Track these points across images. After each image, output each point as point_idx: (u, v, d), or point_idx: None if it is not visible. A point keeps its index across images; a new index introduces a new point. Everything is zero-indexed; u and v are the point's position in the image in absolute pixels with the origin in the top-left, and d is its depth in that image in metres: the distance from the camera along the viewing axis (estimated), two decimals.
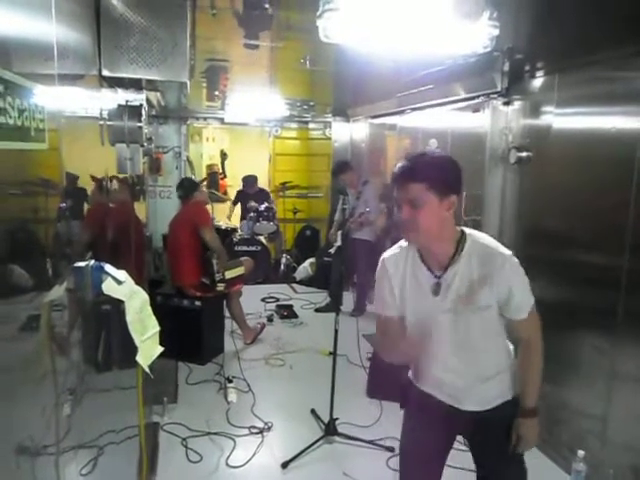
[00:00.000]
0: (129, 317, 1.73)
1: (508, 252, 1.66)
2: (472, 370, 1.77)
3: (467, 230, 1.72)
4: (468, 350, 1.74)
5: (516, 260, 1.66)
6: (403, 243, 1.80)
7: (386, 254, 1.84)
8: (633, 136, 2.49)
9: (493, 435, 1.82)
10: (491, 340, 1.76)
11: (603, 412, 2.67)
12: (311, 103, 7.24)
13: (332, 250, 5.79)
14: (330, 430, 3.21)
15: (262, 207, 7.06)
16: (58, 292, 1.52)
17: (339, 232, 5.40)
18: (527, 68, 3.28)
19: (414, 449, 1.96)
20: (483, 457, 1.91)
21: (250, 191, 7.47)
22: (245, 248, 6.72)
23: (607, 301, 2.64)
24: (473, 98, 3.83)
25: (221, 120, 7.94)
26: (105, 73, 2.11)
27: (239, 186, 7.72)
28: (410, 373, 1.99)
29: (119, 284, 1.74)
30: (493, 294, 1.64)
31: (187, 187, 4.57)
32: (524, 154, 3.29)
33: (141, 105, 2.51)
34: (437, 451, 1.92)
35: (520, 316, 1.70)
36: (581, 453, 2.57)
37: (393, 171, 1.66)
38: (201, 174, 8.40)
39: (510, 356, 1.84)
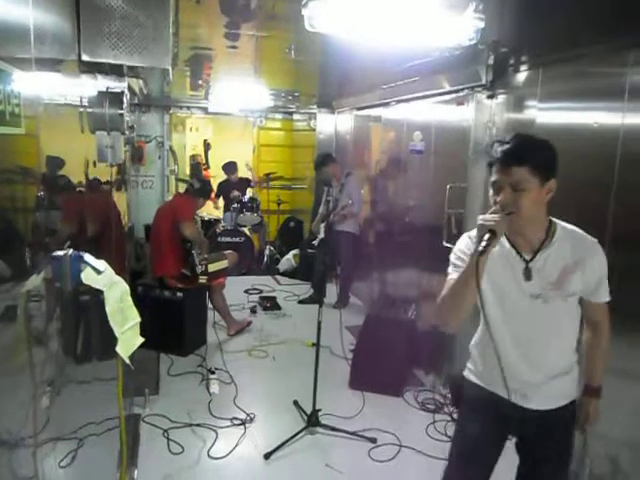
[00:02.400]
0: (108, 307, 1.70)
1: (595, 239, 1.69)
2: (549, 362, 1.74)
3: (554, 219, 1.72)
4: (549, 340, 1.71)
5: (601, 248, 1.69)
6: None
7: (472, 234, 1.74)
8: (614, 131, 2.51)
9: (550, 436, 1.77)
10: (569, 331, 1.74)
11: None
12: (296, 94, 7.20)
13: (315, 242, 5.79)
14: (312, 421, 3.21)
15: (246, 198, 7.03)
16: (35, 282, 1.50)
17: (322, 224, 5.39)
18: (511, 62, 3.28)
19: (472, 450, 1.88)
20: (534, 457, 1.84)
21: (232, 178, 7.42)
22: (229, 239, 6.68)
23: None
24: (458, 91, 3.83)
25: (205, 110, 7.87)
26: (85, 58, 2.06)
27: (222, 177, 7.66)
28: (468, 370, 1.91)
29: (98, 274, 1.71)
30: (584, 280, 1.65)
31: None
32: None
33: (122, 92, 2.47)
34: (493, 453, 1.88)
35: (603, 299, 1.72)
36: None
37: (494, 153, 1.61)
38: (184, 164, 8.32)
39: (579, 355, 1.80)
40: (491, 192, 1.64)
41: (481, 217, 1.59)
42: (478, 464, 1.87)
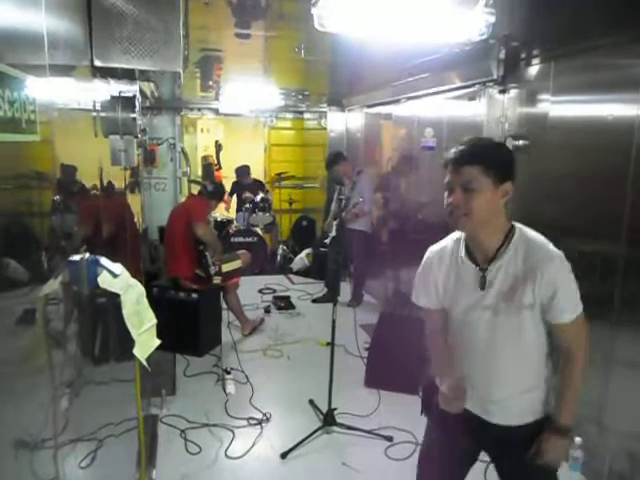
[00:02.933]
0: (125, 310, 1.72)
1: (558, 251, 1.58)
2: (508, 378, 1.67)
3: (518, 225, 1.65)
4: (506, 354, 1.64)
5: (565, 261, 1.58)
6: (452, 235, 1.75)
7: (433, 248, 1.79)
8: (630, 123, 2.47)
9: (519, 455, 1.68)
10: (531, 347, 1.64)
11: (600, 399, 2.68)
12: (306, 93, 7.19)
13: (327, 241, 5.80)
14: (328, 420, 3.22)
15: (258, 198, 7.05)
16: (53, 286, 1.51)
17: (334, 222, 5.39)
18: (523, 56, 3.25)
19: (434, 462, 1.87)
20: (508, 476, 1.80)
21: (245, 181, 7.45)
22: (241, 239, 6.71)
23: (604, 288, 2.65)
24: (469, 86, 3.81)
25: (215, 111, 7.89)
26: (97, 63, 2.08)
27: (234, 178, 7.70)
28: (437, 378, 1.87)
29: (115, 277, 1.73)
30: (536, 292, 1.55)
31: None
32: (520, 142, 3.28)
33: (134, 96, 2.48)
34: (458, 465, 1.85)
35: (562, 319, 1.57)
36: (578, 440, 2.58)
37: (447, 155, 1.60)
38: (196, 165, 8.36)
39: (549, 371, 1.71)
40: (445, 194, 1.61)
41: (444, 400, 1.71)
42: (445, 476, 1.86)
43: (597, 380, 2.69)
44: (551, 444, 1.64)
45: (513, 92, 3.40)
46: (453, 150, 1.59)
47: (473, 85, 3.74)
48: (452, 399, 1.71)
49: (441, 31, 2.51)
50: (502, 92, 3.48)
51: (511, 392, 1.67)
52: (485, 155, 1.55)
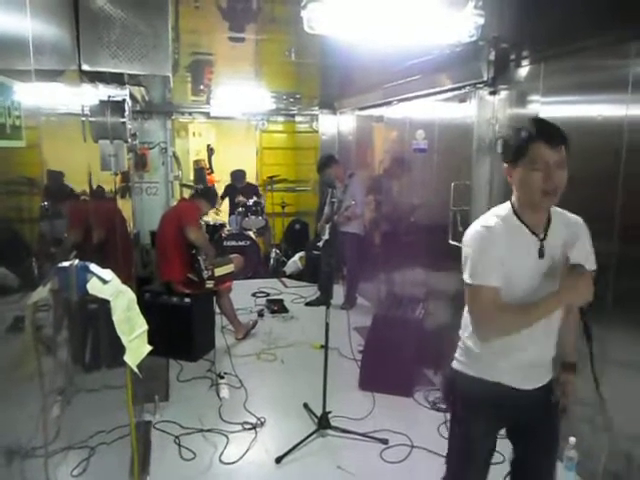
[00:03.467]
0: (115, 317, 1.70)
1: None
2: (551, 340, 1.80)
3: None
4: (557, 315, 1.76)
5: None
6: (494, 211, 1.78)
7: (487, 223, 1.73)
8: (619, 123, 2.49)
9: (539, 415, 1.84)
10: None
11: (594, 399, 2.68)
12: (297, 96, 7.19)
13: (320, 243, 5.79)
14: (323, 424, 3.21)
15: (250, 202, 7.03)
16: (42, 293, 1.50)
17: (327, 225, 5.39)
18: (513, 57, 3.27)
19: (482, 450, 1.88)
20: (526, 442, 1.88)
21: (238, 185, 7.44)
22: (234, 243, 6.69)
23: (596, 287, 2.65)
24: (459, 88, 3.82)
25: (207, 114, 7.88)
26: (85, 68, 2.07)
27: (227, 181, 7.68)
28: (461, 363, 1.87)
29: (104, 283, 1.71)
30: (579, 254, 1.71)
31: None
32: None
33: (124, 100, 2.47)
34: (491, 449, 1.90)
35: (591, 267, 1.75)
36: (572, 440, 2.59)
37: (546, 130, 1.65)
38: (188, 170, 8.34)
39: None
40: (536, 174, 1.62)
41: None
42: (479, 460, 1.88)
43: (591, 380, 2.70)
44: (570, 382, 1.89)
45: (503, 93, 3.42)
46: (543, 130, 1.63)
47: (464, 87, 3.76)
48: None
49: (431, 33, 2.51)
50: (492, 93, 3.49)
51: (548, 353, 1.82)
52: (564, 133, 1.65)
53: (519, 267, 1.70)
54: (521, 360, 1.76)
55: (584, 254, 1.73)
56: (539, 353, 1.79)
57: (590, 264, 1.75)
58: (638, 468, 2.47)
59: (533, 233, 1.71)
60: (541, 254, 1.70)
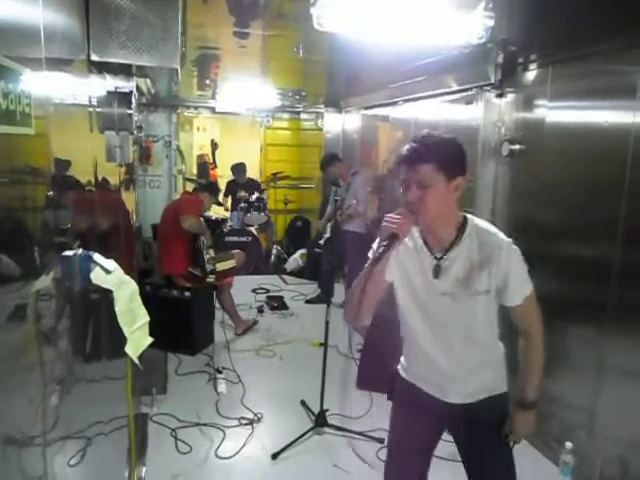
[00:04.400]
0: (118, 307, 1.70)
1: (508, 239, 1.67)
2: (463, 359, 1.76)
3: (469, 216, 1.73)
4: (462, 337, 1.73)
5: (515, 247, 1.67)
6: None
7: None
8: (626, 130, 2.48)
9: (477, 430, 1.81)
10: (485, 330, 1.76)
11: (591, 404, 2.69)
12: (303, 93, 7.18)
13: (322, 241, 5.78)
14: (320, 421, 3.21)
15: (253, 198, 7.03)
16: (45, 282, 1.50)
17: (329, 223, 5.38)
18: (520, 60, 3.26)
19: (399, 443, 1.97)
20: (468, 452, 1.88)
21: (240, 180, 7.43)
22: (236, 239, 6.67)
23: (597, 294, 2.66)
24: (466, 90, 3.81)
25: (212, 109, 7.87)
26: (94, 58, 2.07)
27: (229, 176, 7.67)
28: (399, 364, 1.99)
29: (108, 273, 1.71)
30: (491, 279, 1.64)
31: None
32: (517, 147, 3.29)
33: (131, 92, 2.47)
34: (422, 445, 1.93)
35: (514, 302, 1.69)
36: (569, 445, 2.59)
37: (400, 152, 1.63)
38: (191, 164, 8.34)
39: (501, 352, 1.84)
40: (400, 190, 1.65)
41: (387, 218, 1.62)
42: (410, 457, 1.94)
43: (589, 387, 2.70)
44: (520, 419, 1.77)
45: (510, 97, 3.41)
46: (406, 148, 1.62)
47: (470, 89, 3.75)
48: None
49: (440, 34, 2.51)
50: (499, 96, 3.49)
51: (466, 372, 1.77)
52: (437, 153, 1.59)
53: (416, 280, 1.74)
54: (428, 369, 1.81)
55: (499, 281, 1.64)
56: (451, 366, 1.76)
57: (511, 298, 1.67)
58: (633, 475, 2.47)
59: (430, 250, 1.71)
60: (436, 274, 1.69)
